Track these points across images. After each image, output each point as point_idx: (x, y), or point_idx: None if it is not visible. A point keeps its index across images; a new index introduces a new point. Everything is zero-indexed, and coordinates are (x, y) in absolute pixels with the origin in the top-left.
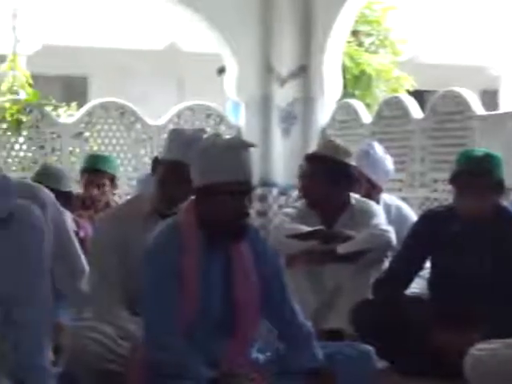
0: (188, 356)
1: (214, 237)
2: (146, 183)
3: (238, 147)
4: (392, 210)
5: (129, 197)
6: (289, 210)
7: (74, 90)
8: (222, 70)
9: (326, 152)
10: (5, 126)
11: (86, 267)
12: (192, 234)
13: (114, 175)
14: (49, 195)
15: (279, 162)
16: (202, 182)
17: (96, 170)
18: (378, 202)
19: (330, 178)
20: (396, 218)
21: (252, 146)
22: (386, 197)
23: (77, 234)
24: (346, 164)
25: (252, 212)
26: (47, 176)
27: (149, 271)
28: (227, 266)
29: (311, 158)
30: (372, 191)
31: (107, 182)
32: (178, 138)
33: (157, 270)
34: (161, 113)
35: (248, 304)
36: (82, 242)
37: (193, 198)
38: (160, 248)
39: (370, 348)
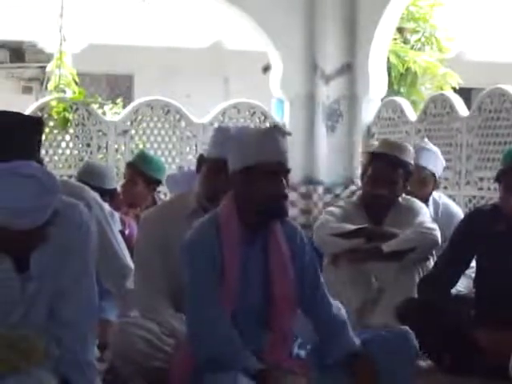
0: (235, 345)
1: (252, 223)
2: (177, 181)
3: (274, 131)
4: (440, 208)
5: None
6: (334, 209)
7: (119, 88)
8: (267, 68)
9: (389, 151)
10: (51, 123)
11: (131, 265)
12: (232, 227)
13: (153, 178)
14: (92, 195)
15: (324, 159)
16: (240, 165)
17: (138, 169)
18: (427, 199)
19: (395, 177)
20: (444, 215)
21: (288, 133)
22: (434, 194)
23: (122, 232)
24: (407, 162)
25: (296, 210)
26: (91, 174)
27: (190, 262)
28: (265, 261)
29: (376, 157)
30: (435, 187)
31: (144, 183)
32: (223, 135)
33: (198, 260)
34: (206, 111)
35: (284, 298)
36: (127, 240)
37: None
38: (200, 240)
39: (407, 329)
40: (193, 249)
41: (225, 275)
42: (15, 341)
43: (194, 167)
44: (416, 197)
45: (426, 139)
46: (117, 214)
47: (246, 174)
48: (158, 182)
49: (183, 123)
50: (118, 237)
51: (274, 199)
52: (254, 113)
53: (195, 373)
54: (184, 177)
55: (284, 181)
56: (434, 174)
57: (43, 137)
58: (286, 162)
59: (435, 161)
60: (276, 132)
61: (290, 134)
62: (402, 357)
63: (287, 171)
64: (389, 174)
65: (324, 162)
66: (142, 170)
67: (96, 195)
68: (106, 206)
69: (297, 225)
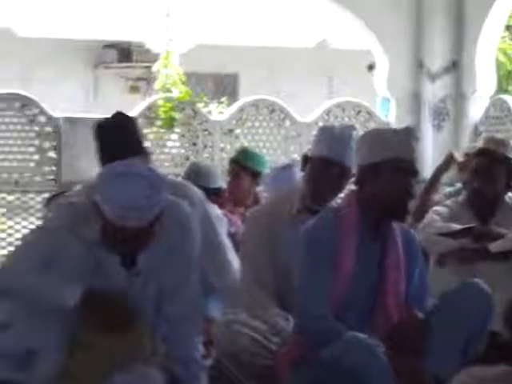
0: (342, 327)
1: (374, 221)
2: (275, 179)
3: (411, 130)
4: None
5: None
6: (440, 209)
7: (224, 87)
8: (372, 67)
9: (492, 147)
10: (158, 123)
11: (236, 263)
12: (352, 223)
13: (257, 172)
14: (197, 193)
15: (430, 158)
16: (368, 161)
17: (242, 164)
18: None
19: (497, 173)
20: None
21: (415, 133)
22: None
23: (228, 231)
24: (510, 159)
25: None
26: (196, 173)
27: (306, 256)
28: (381, 259)
29: (479, 153)
30: None
31: (249, 178)
32: (327, 134)
33: (314, 254)
34: (310, 110)
35: (395, 297)
36: (233, 238)
37: (351, 188)
38: (318, 234)
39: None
40: (310, 241)
41: (339, 269)
42: (124, 336)
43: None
44: None
45: None
46: (225, 219)
47: (373, 169)
48: (262, 175)
49: (288, 122)
50: (222, 235)
51: (403, 198)
52: (359, 112)
53: (300, 368)
54: (282, 172)
55: (412, 179)
56: None
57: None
58: (416, 161)
59: None
60: (412, 131)
61: (418, 139)
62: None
63: (417, 172)
64: (490, 170)
65: (430, 161)
66: (246, 165)
67: (201, 193)
68: (215, 210)
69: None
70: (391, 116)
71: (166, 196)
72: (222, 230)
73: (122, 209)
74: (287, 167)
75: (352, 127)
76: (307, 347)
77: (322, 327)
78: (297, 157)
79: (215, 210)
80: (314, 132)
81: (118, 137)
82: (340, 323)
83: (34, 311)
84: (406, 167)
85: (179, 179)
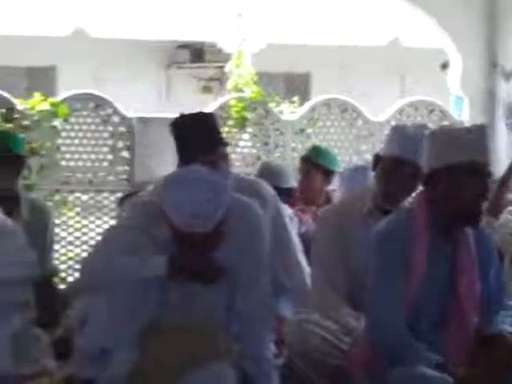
0: (413, 341)
1: (447, 223)
2: (349, 179)
3: (484, 129)
4: None
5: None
6: None
7: (296, 86)
8: (445, 65)
9: None
10: (230, 123)
11: (305, 262)
12: (423, 224)
13: (329, 170)
14: (270, 191)
15: (504, 158)
16: (440, 164)
17: (314, 162)
18: None
19: None
20: None
21: (487, 132)
22: None
23: (298, 230)
24: None
25: None
26: (268, 173)
27: (378, 258)
28: (453, 261)
29: None
30: None
31: (321, 176)
32: (400, 134)
33: (386, 256)
34: (382, 109)
35: (469, 300)
36: (303, 238)
37: (422, 188)
38: (390, 235)
39: None
40: (380, 247)
41: (411, 272)
42: (198, 334)
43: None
44: None
45: None
46: (295, 219)
47: (445, 172)
48: (333, 174)
49: (360, 122)
50: (293, 234)
51: (477, 201)
52: (432, 111)
53: (373, 370)
54: (356, 174)
55: (486, 182)
56: None
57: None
58: (489, 163)
59: None
60: (485, 130)
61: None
62: None
63: (491, 174)
64: None
65: (504, 161)
66: (318, 163)
67: (273, 191)
68: (287, 210)
69: (483, 227)
70: (464, 115)
71: (230, 198)
72: (293, 230)
73: (187, 216)
74: (361, 168)
75: (424, 126)
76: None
77: (394, 340)
78: (369, 156)
79: (287, 210)
80: (387, 131)
81: (197, 131)
82: (412, 335)
83: (113, 309)
84: (481, 170)
85: (251, 177)
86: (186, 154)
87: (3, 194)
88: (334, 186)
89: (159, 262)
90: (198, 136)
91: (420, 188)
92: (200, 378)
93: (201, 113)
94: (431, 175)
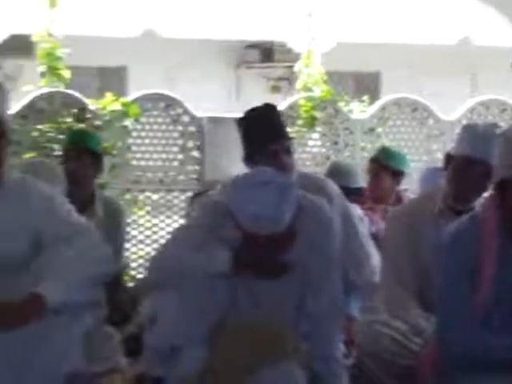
0: (488, 347)
1: None
2: (427, 179)
3: None
4: None
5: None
6: None
7: (365, 86)
8: None
9: None
10: (300, 122)
11: (376, 259)
12: (493, 229)
13: (398, 171)
14: (335, 188)
15: None
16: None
17: (383, 164)
18: None
19: None
20: None
21: None
22: None
23: (369, 230)
24: None
25: None
26: (337, 173)
27: (448, 258)
28: None
29: None
30: None
31: (390, 177)
32: (471, 133)
33: (455, 259)
34: (453, 108)
35: None
36: (374, 236)
37: (494, 191)
38: (459, 239)
39: None
40: (450, 249)
41: (480, 280)
42: (267, 334)
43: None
44: None
45: None
46: (366, 219)
47: None
48: (403, 174)
49: (431, 121)
50: (361, 231)
51: None
52: (504, 110)
53: (443, 372)
54: (431, 174)
55: None
56: None
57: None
58: None
59: None
60: None
61: None
62: None
63: None
64: None
65: None
66: (387, 164)
67: (338, 189)
68: (356, 210)
69: None
70: None
71: (299, 197)
72: (364, 230)
73: (253, 217)
74: (437, 170)
75: (496, 125)
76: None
77: (466, 337)
78: (439, 156)
79: (356, 210)
80: (458, 130)
81: (261, 121)
82: (485, 330)
83: (182, 307)
84: None
85: (317, 174)
86: (251, 145)
87: (80, 191)
88: (405, 186)
89: (223, 258)
90: (262, 126)
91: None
92: (270, 377)
93: (265, 104)
94: (502, 184)
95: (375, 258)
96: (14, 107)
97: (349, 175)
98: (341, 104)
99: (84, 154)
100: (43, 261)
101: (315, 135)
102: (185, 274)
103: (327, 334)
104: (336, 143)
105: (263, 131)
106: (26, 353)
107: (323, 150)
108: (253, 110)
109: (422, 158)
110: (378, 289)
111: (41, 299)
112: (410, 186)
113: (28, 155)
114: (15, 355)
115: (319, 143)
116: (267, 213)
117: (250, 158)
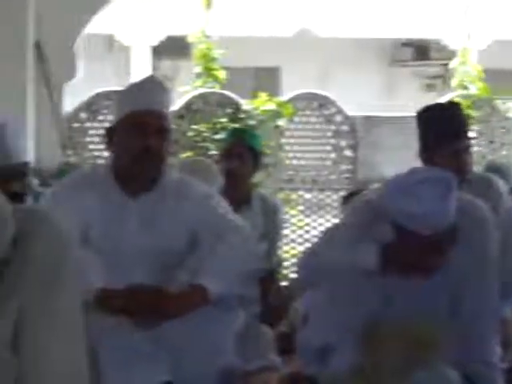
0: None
1: None
2: None
3: None
4: None
5: None
6: None
7: None
8: None
9: None
10: None
11: None
12: None
13: None
14: (501, 184)
15: None
16: None
17: None
18: None
19: None
20: None
21: None
22: None
23: None
24: None
25: None
26: (495, 172)
27: None
28: None
29: None
30: None
31: None
32: None
33: None
34: None
35: None
36: None
37: None
38: None
39: None
40: None
41: None
42: (420, 335)
43: None
44: None
45: None
46: None
47: None
48: None
49: None
50: None
51: None
52: None
53: None
54: None
55: None
56: None
57: None
58: None
59: None
60: None
61: None
62: None
63: None
64: None
65: None
66: None
67: (506, 187)
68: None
69: None
70: None
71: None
72: None
73: (417, 216)
74: None
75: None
76: None
77: None
78: None
79: None
80: None
81: (443, 118)
82: None
83: (334, 305)
84: None
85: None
86: (430, 141)
87: (238, 189)
88: None
89: (371, 256)
90: (443, 122)
91: None
92: (425, 378)
93: (449, 102)
94: None
95: None
96: (171, 107)
97: (505, 174)
98: (498, 102)
99: (246, 152)
100: (198, 257)
101: (471, 134)
102: (334, 272)
103: (483, 337)
104: (492, 142)
105: (446, 128)
106: (184, 341)
107: (479, 148)
108: (435, 104)
109: None
110: None
111: (204, 291)
112: None
113: (184, 154)
114: (175, 342)
115: (474, 142)
116: (430, 210)
117: (427, 153)
